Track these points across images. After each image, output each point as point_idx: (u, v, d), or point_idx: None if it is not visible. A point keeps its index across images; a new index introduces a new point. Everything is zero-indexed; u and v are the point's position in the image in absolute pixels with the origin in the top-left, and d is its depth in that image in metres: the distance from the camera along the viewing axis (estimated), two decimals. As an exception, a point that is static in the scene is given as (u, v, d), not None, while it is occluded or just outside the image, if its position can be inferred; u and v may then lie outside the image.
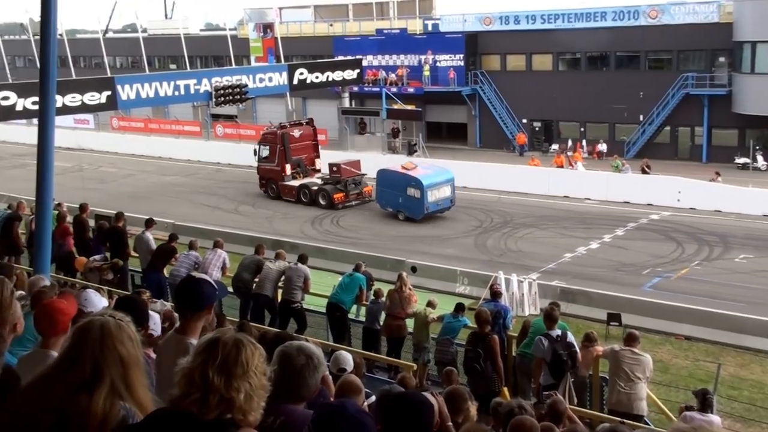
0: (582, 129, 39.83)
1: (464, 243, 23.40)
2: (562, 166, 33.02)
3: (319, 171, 31.05)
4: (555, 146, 38.98)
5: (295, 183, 29.64)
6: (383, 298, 13.09)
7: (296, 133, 31.13)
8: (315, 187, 28.96)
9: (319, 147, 32.49)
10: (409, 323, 13.01)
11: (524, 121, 41.16)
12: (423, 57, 42.45)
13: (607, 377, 10.00)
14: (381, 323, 13.01)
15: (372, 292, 13.76)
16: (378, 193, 27.46)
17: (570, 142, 38.42)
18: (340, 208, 27.91)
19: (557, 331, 9.73)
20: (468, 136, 43.42)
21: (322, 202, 28.44)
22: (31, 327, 5.54)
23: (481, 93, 41.93)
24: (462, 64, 41.79)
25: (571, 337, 9.91)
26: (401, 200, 26.24)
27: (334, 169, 29.31)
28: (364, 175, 29.10)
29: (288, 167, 29.97)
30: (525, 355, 10.65)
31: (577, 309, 16.57)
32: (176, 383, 2.41)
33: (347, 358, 7.05)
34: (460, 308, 12.06)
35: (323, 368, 3.19)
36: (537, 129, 40.97)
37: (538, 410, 6.91)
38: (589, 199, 28.41)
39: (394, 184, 26.54)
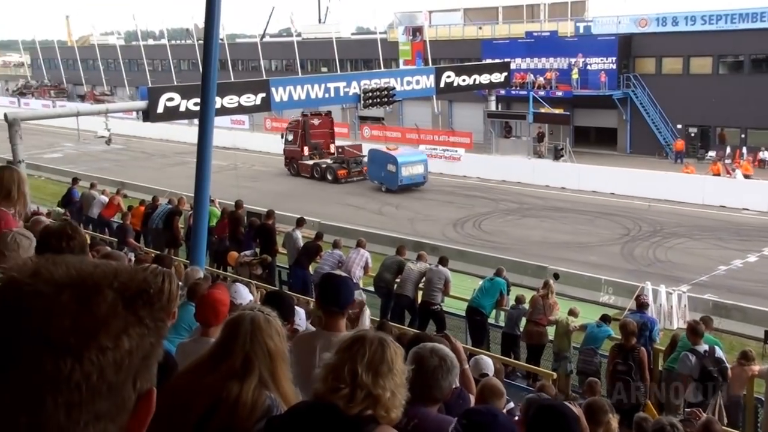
0: (743, 136, 37.54)
1: (609, 251, 22.67)
2: (719, 174, 31.31)
3: (333, 154, 36.28)
4: (712, 153, 36.96)
5: (310, 162, 35.43)
6: (524, 304, 12.95)
7: (315, 122, 36.86)
8: (324, 165, 34.94)
9: (335, 135, 38.00)
10: (550, 331, 12.82)
11: (679, 126, 39.28)
12: (573, 60, 41.46)
13: (763, 399, 9.44)
14: (521, 329, 12.88)
15: (513, 297, 13.66)
16: (369, 169, 32.98)
17: (729, 149, 36.36)
18: (343, 182, 33.79)
19: (704, 346, 9.28)
20: (618, 142, 41.98)
21: (329, 177, 34.41)
22: (186, 316, 5.93)
23: (633, 97, 40.42)
24: (614, 67, 40.45)
25: (720, 353, 9.42)
26: (383, 174, 31.85)
27: (340, 150, 35.77)
28: (364, 156, 34.46)
29: (306, 149, 36.00)
30: (672, 369, 10.22)
31: (730, 325, 15.64)
32: (320, 377, 2.50)
33: (488, 363, 7.03)
34: (605, 319, 11.76)
35: (456, 371, 3.21)
36: (693, 135, 39.01)
37: (687, 428, 6.64)
38: (747, 209, 26.77)
39: (378, 161, 32.26)
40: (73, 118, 29.30)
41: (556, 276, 18.02)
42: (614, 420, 5.45)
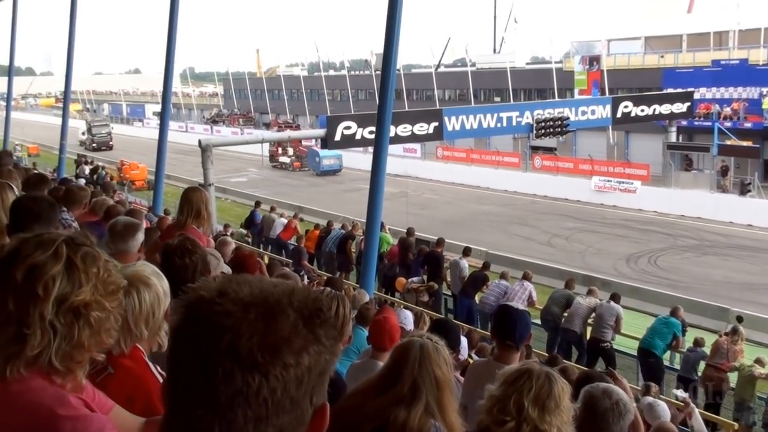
0: None
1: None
2: None
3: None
4: None
5: (281, 158, 49.14)
6: (703, 347, 12.24)
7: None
8: (287, 160, 49.03)
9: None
10: (731, 377, 12.02)
11: None
12: (765, 89, 38.85)
13: None
14: (699, 373, 12.17)
15: (690, 338, 12.97)
16: (308, 161, 47.78)
17: None
18: (297, 170, 48.01)
19: None
20: (816, 177, 38.75)
21: (289, 168, 48.62)
22: (355, 339, 6.13)
23: (832, 129, 37.24)
24: (812, 96, 37.51)
25: None
26: (313, 163, 47.07)
27: (298, 148, 48.72)
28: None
29: (280, 149, 49.20)
30: None
31: None
32: (485, 409, 2.51)
33: (664, 409, 6.73)
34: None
35: (630, 416, 3.08)
36: None
37: None
38: None
39: (312, 155, 47.15)
40: (259, 144, 31.02)
41: (739, 319, 16.88)
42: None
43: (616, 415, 2.98)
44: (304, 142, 47.81)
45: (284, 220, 21.47)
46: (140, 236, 4.46)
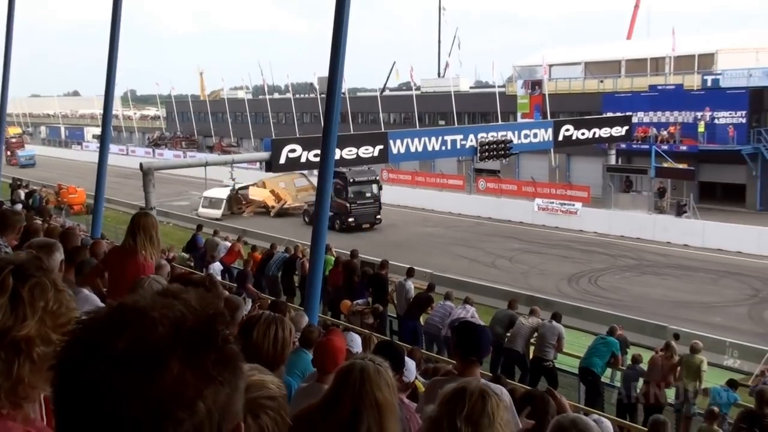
0: None
1: (735, 312, 21.54)
2: None
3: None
4: None
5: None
6: (641, 364, 12.50)
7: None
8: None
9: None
10: (669, 393, 12.33)
11: (816, 183, 37.19)
12: (699, 114, 40.13)
13: None
14: (637, 390, 12.42)
15: (630, 356, 13.24)
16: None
17: None
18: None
19: None
20: (747, 198, 40.07)
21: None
22: (298, 362, 6.10)
23: (765, 152, 38.58)
24: (744, 121, 38.84)
25: None
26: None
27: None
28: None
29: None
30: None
31: None
32: (425, 430, 2.48)
33: (608, 427, 6.83)
34: (732, 384, 11.23)
35: None
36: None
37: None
38: None
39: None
40: (202, 168, 30.76)
41: (676, 336, 17.28)
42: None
43: None
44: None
45: (228, 244, 21.27)
46: (57, 256, 4.40)
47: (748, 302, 22.52)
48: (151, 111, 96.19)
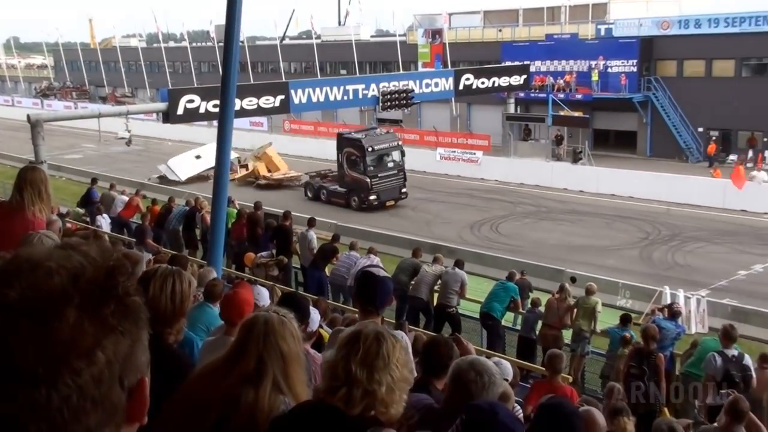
0: (765, 139, 37.19)
1: (628, 255, 22.56)
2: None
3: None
4: (733, 157, 36.60)
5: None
6: (540, 307, 12.93)
7: None
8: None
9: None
10: (566, 334, 12.82)
11: (700, 129, 39.00)
12: (593, 63, 41.27)
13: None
14: (537, 332, 12.87)
15: (529, 300, 13.65)
16: None
17: (751, 153, 36.04)
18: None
19: (733, 351, 9.17)
20: (638, 145, 41.73)
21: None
22: (203, 317, 5.99)
23: (654, 100, 40.16)
24: (635, 70, 40.22)
25: (748, 360, 9.29)
26: None
27: None
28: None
29: None
30: (690, 374, 10.17)
31: (750, 330, 15.50)
32: (321, 377, 2.47)
33: (508, 368, 7.03)
34: (626, 320, 11.74)
35: (497, 388, 3.05)
36: (714, 139, 38.67)
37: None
38: (769, 213, 26.56)
39: None
40: (95, 119, 29.53)
41: (573, 279, 17.97)
42: (630, 423, 5.44)
43: (480, 387, 2.97)
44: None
45: (125, 198, 20.58)
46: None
47: (639, 245, 23.60)
48: (38, 59, 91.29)
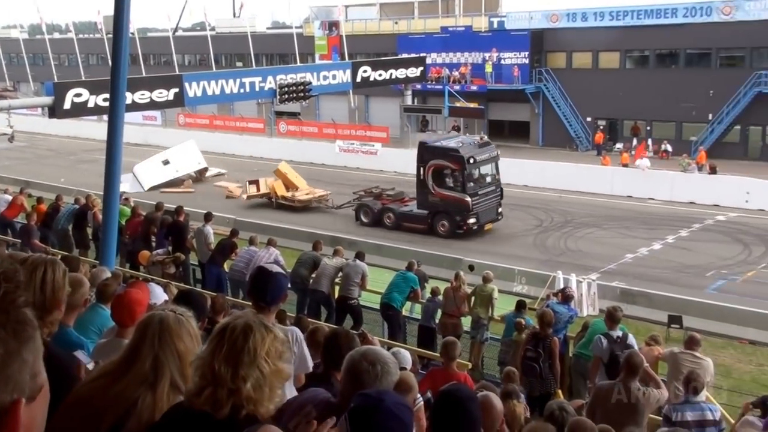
0: (648, 128, 39.03)
1: (523, 242, 23.22)
2: (627, 165, 32.49)
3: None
4: (619, 145, 38.25)
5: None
6: (439, 296, 13.12)
7: None
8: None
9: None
10: (465, 322, 13.07)
11: (588, 119, 40.54)
12: (487, 54, 42.19)
13: (666, 380, 9.79)
14: (437, 321, 13.06)
15: (428, 290, 13.84)
16: None
17: (635, 141, 37.75)
18: None
19: (618, 332, 9.56)
20: (531, 135, 43.01)
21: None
22: (95, 319, 5.77)
23: (546, 91, 41.46)
24: (527, 61, 41.40)
25: (632, 340, 9.71)
26: None
27: None
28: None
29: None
30: (581, 356, 10.55)
31: (637, 311, 16.27)
32: (191, 377, 2.35)
33: (406, 357, 7.11)
34: (521, 306, 12.05)
35: (392, 377, 2.97)
36: (602, 128, 40.28)
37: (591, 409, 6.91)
38: (653, 199, 27.87)
39: None
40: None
41: (471, 267, 18.36)
42: (519, 406, 5.61)
43: (372, 377, 2.91)
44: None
45: (8, 197, 19.57)
46: None
47: (533, 232, 24.32)
48: None
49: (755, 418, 7.88)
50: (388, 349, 8.08)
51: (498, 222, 24.63)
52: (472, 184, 23.63)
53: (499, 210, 24.51)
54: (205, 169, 34.79)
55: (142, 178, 32.18)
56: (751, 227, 23.90)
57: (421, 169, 24.49)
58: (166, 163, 33.14)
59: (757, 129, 36.33)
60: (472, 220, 23.49)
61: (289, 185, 28.98)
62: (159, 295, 6.38)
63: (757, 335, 15.21)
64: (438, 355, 12.32)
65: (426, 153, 24.52)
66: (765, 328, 15.21)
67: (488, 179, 24.43)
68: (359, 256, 14.25)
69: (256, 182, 29.53)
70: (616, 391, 6.85)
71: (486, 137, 27.13)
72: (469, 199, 23.31)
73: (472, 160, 23.54)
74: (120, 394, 2.43)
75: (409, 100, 40.11)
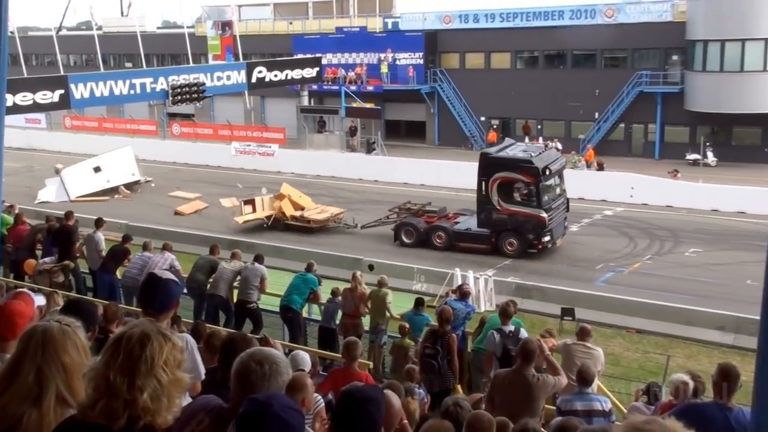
0: (539, 126, 40.29)
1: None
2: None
3: None
4: (512, 144, 39.29)
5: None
6: (339, 297, 13.10)
7: None
8: None
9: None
10: (366, 321, 13.10)
11: (482, 118, 41.48)
12: (382, 55, 42.53)
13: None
14: (337, 322, 13.04)
15: (327, 290, 13.80)
16: None
17: (527, 140, 38.87)
18: None
19: (510, 327, 9.79)
20: (427, 134, 43.63)
21: None
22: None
23: (440, 91, 42.16)
24: (421, 62, 41.97)
25: (524, 333, 9.96)
26: None
27: None
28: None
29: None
30: (479, 351, 10.74)
31: (532, 304, 16.77)
32: (85, 388, 2.25)
33: (305, 359, 7.07)
34: (419, 303, 12.15)
35: (281, 377, 2.92)
36: (495, 127, 41.30)
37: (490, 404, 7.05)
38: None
39: None
40: None
41: (370, 267, 18.46)
42: (413, 402, 5.67)
43: (261, 377, 2.87)
44: None
45: None
46: None
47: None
48: None
49: (641, 404, 8.26)
50: (289, 351, 8.02)
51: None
52: (546, 198, 21.45)
53: (566, 224, 22.83)
54: (137, 183, 32.42)
55: (69, 185, 30.01)
56: (635, 221, 25.03)
57: (483, 183, 21.90)
58: (97, 170, 30.91)
59: (640, 127, 38.11)
60: (546, 238, 21.25)
61: (295, 206, 25.96)
62: (37, 301, 6.10)
63: (644, 324, 15.96)
64: (339, 356, 12.36)
65: (489, 165, 21.90)
66: (650, 317, 15.98)
67: (558, 191, 22.47)
68: (258, 259, 14.04)
69: (251, 202, 25.81)
70: (512, 377, 7.04)
71: (553, 145, 24.21)
72: (545, 215, 21.08)
73: (547, 172, 21.34)
74: (2, 411, 2.33)
75: (305, 101, 39.96)
